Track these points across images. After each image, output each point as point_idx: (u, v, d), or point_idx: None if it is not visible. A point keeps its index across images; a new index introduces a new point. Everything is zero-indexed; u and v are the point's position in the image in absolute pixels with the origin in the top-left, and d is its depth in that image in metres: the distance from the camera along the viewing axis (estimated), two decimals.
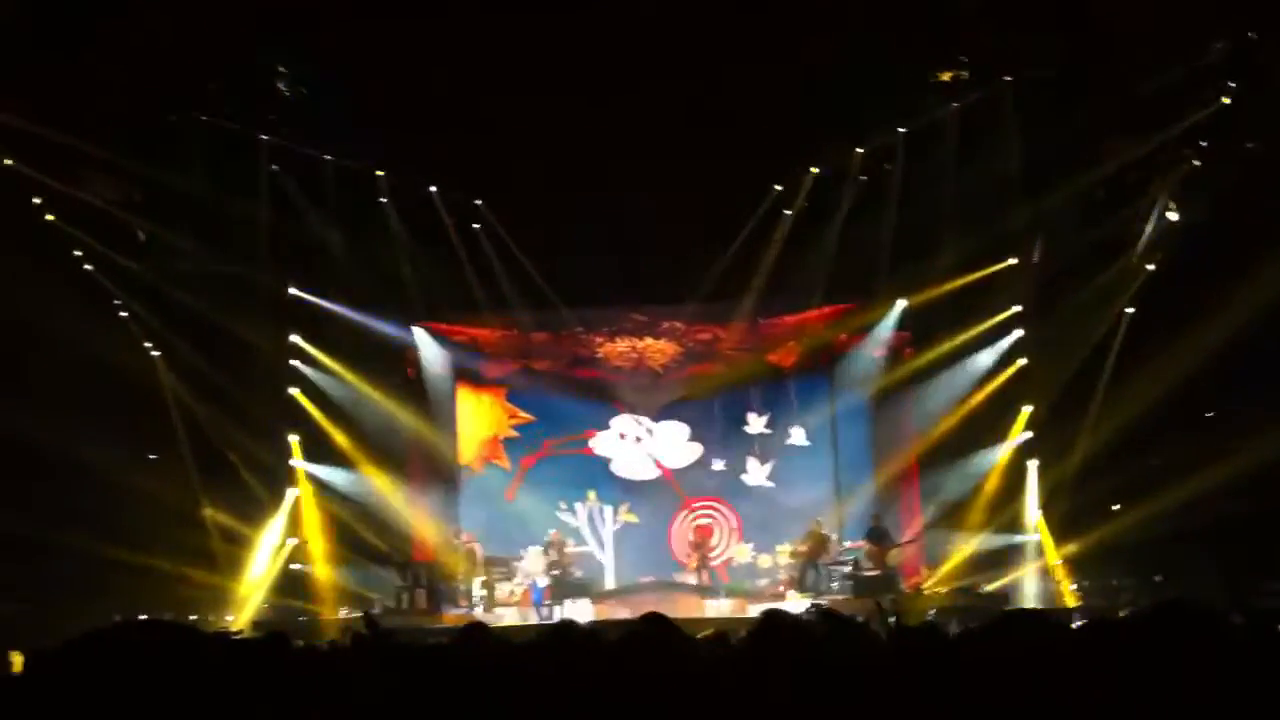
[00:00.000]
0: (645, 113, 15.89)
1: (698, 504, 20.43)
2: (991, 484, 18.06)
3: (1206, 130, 14.79)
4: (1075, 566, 16.76)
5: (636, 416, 20.51)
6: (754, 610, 15.70)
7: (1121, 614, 8.73)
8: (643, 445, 20.62)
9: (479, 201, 18.72)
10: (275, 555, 17.50)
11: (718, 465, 20.41)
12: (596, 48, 15.09)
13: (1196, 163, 15.20)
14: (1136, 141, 15.47)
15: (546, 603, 17.46)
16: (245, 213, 16.82)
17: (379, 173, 17.99)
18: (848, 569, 17.73)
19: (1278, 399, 13.10)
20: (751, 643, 3.90)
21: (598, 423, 20.60)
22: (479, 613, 17.11)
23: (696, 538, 20.01)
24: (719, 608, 17.69)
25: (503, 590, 18.73)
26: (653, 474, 20.54)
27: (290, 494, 17.98)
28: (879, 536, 17.71)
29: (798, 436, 20.39)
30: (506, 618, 17.13)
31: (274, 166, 17.16)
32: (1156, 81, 14.57)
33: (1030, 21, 15.07)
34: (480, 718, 3.33)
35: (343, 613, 17.06)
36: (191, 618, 15.41)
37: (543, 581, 18.15)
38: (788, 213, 18.64)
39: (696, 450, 20.51)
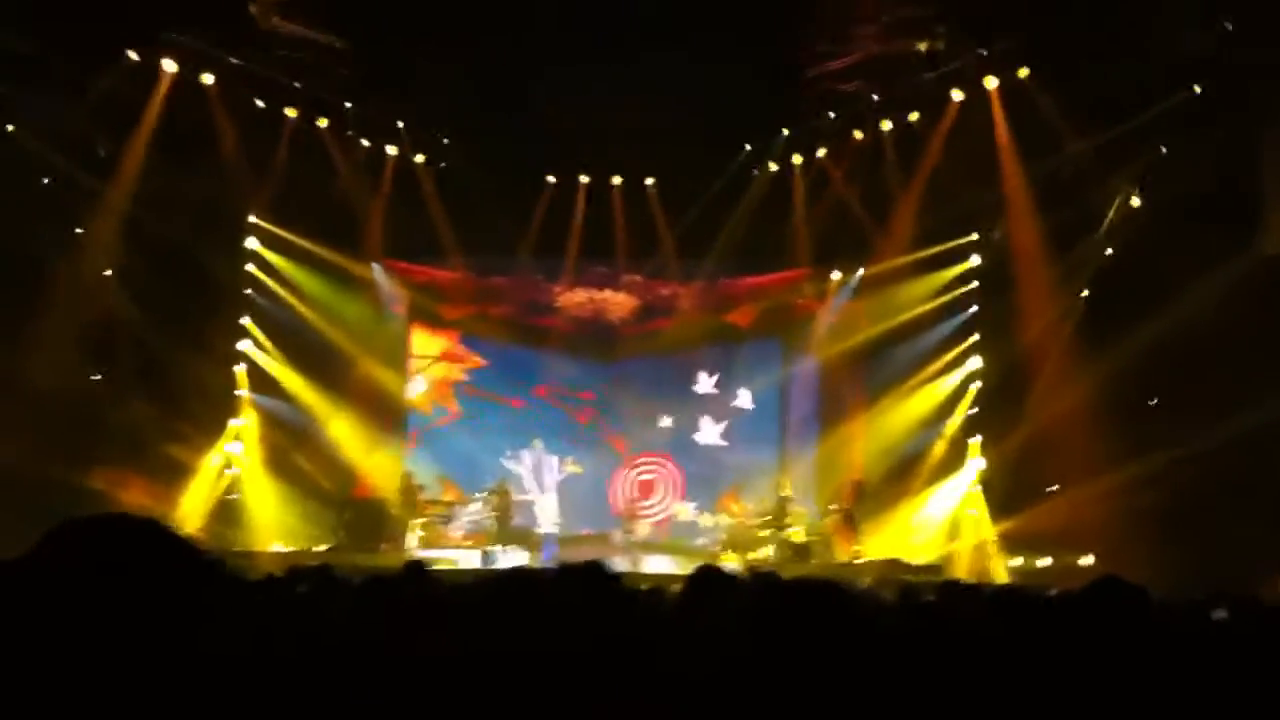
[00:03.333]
0: (621, 65, 15.82)
1: (641, 459, 20.47)
2: (934, 457, 18.25)
3: (1174, 117, 14.86)
4: (1010, 543, 16.96)
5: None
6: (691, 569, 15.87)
7: (1052, 592, 8.81)
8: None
9: (446, 140, 18.58)
10: (214, 484, 17.34)
11: (665, 422, 20.43)
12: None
13: (1163, 149, 15.29)
14: (1104, 125, 15.50)
15: (493, 549, 17.47)
16: (209, 135, 16.56)
17: (346, 104, 17.77)
18: (786, 534, 17.87)
19: (1226, 389, 13.26)
20: (685, 597, 3.93)
21: (549, 377, 20.52)
22: (418, 553, 17.04)
23: (637, 493, 20.09)
24: (656, 564, 17.76)
25: (442, 533, 18.64)
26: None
27: (233, 423, 17.82)
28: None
29: (744, 399, 20.47)
30: (447, 559, 17.07)
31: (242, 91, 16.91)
32: (1127, 67, 14.62)
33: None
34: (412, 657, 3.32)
35: (276, 546, 16.98)
36: None
37: (550, 529, 18.40)
38: (756, 173, 18.71)
39: (646, 406, 20.50)
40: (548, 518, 18.91)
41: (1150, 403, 15.28)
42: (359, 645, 3.30)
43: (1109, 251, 16.28)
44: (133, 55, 15.63)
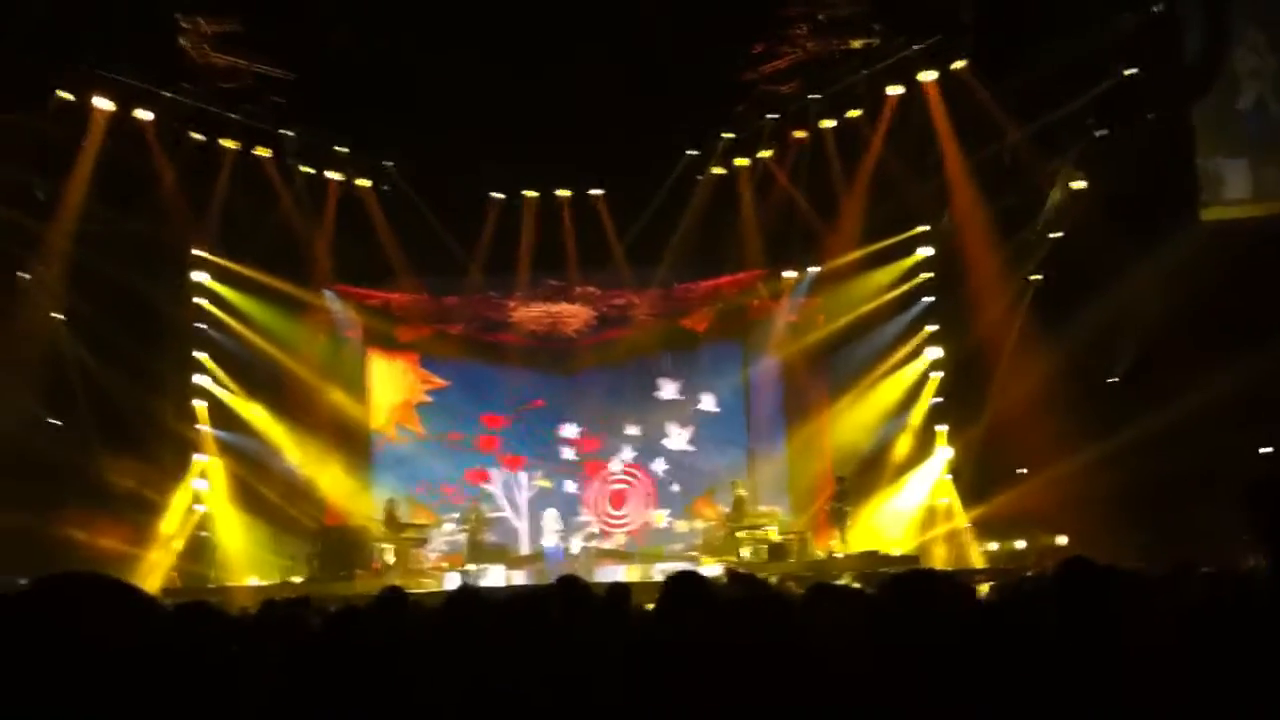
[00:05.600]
0: (563, 77, 15.84)
1: (612, 470, 20.45)
2: (901, 449, 18.39)
3: (1113, 100, 15.08)
4: (983, 529, 17.11)
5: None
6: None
7: (1028, 574, 8.94)
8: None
9: (389, 163, 18.53)
10: (183, 522, 17.20)
11: (632, 431, 20.45)
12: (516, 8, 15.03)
13: (1102, 133, 15.50)
14: (1042, 112, 15.70)
15: (469, 568, 17.48)
16: (147, 172, 16.45)
17: (285, 133, 17.69)
18: (760, 533, 17.97)
19: (1183, 368, 13.45)
20: (661, 604, 3.96)
21: (509, 394, 20.49)
22: (394, 579, 16.98)
23: (611, 504, 20.10)
24: (633, 573, 17.76)
25: (418, 556, 18.56)
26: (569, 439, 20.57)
27: (197, 459, 17.68)
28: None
29: (708, 403, 20.51)
30: (424, 583, 17.01)
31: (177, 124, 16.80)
32: (1065, 51, 14.82)
33: None
34: (395, 682, 3.33)
35: (252, 580, 16.86)
36: None
37: (551, 542, 18.52)
38: (700, 178, 18.80)
39: (611, 416, 20.50)
40: (550, 528, 18.93)
41: (1109, 381, 15.49)
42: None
43: (1055, 235, 16.47)
44: (65, 95, 15.49)
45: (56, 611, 1.62)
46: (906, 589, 3.56)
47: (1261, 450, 13.35)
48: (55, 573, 1.68)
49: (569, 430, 20.47)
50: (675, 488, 20.34)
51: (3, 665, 1.55)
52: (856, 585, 8.08)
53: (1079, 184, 16.05)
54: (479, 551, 18.29)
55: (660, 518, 20.21)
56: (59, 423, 15.93)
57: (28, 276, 16.01)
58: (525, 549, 19.66)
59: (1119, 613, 3.08)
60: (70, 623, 1.60)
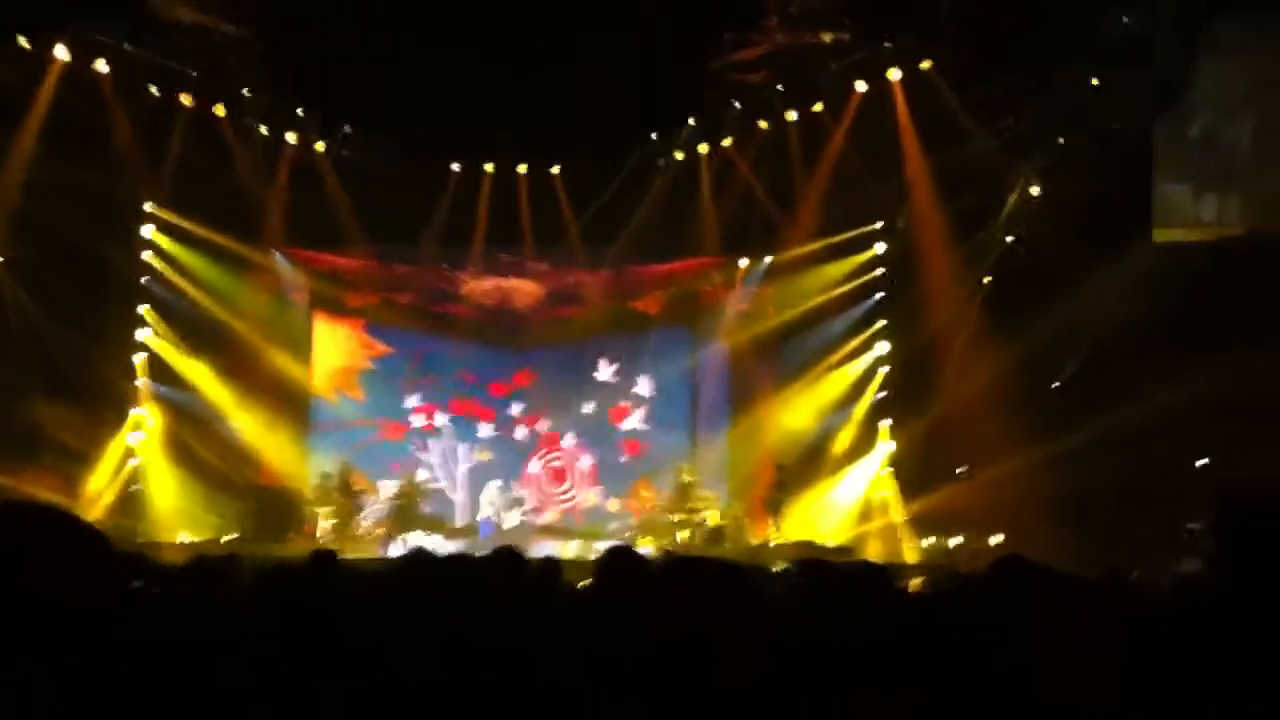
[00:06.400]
0: (529, 56, 15.79)
1: (551, 447, 20.41)
2: (844, 441, 18.52)
3: (1078, 110, 15.25)
4: (919, 525, 17.27)
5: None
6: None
7: (961, 571, 9.01)
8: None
9: (348, 128, 18.35)
10: (114, 475, 17.01)
11: (587, 409, 20.39)
12: None
13: (1060, 140, 15.66)
14: (1005, 116, 15.82)
15: (396, 537, 17.45)
16: (102, 124, 16.21)
17: (245, 92, 17.47)
18: (698, 518, 18.07)
19: (1125, 375, 13.66)
20: (597, 580, 3.95)
21: (453, 365, 20.38)
22: (329, 543, 16.86)
23: (551, 480, 20.08)
24: (570, 549, 17.76)
25: (354, 523, 18.46)
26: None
27: (134, 413, 17.47)
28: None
29: (643, 386, 20.43)
30: (360, 550, 16.92)
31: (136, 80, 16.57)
32: (1033, 57, 14.96)
33: None
34: (326, 647, 3.29)
35: (182, 537, 16.70)
36: None
37: (484, 514, 18.54)
38: (661, 162, 18.78)
39: (559, 393, 20.45)
40: (485, 500, 18.85)
41: (1052, 386, 15.67)
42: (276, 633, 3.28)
43: (1009, 239, 16.62)
44: (23, 42, 15.22)
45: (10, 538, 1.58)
46: (823, 578, 3.56)
47: (1198, 462, 13.55)
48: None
49: (514, 407, 20.39)
50: (615, 468, 20.32)
51: None
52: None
53: (1037, 189, 16.21)
54: (412, 520, 18.23)
55: (591, 496, 20.19)
56: None
57: None
58: (460, 521, 19.59)
59: (1051, 612, 3.10)
60: (25, 551, 1.56)
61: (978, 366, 15.91)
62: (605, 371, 20.48)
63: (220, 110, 17.36)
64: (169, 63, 16.62)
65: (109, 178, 16.47)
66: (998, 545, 15.46)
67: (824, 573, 3.70)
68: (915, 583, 7.65)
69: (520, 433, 20.33)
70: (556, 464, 20.36)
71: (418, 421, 20.12)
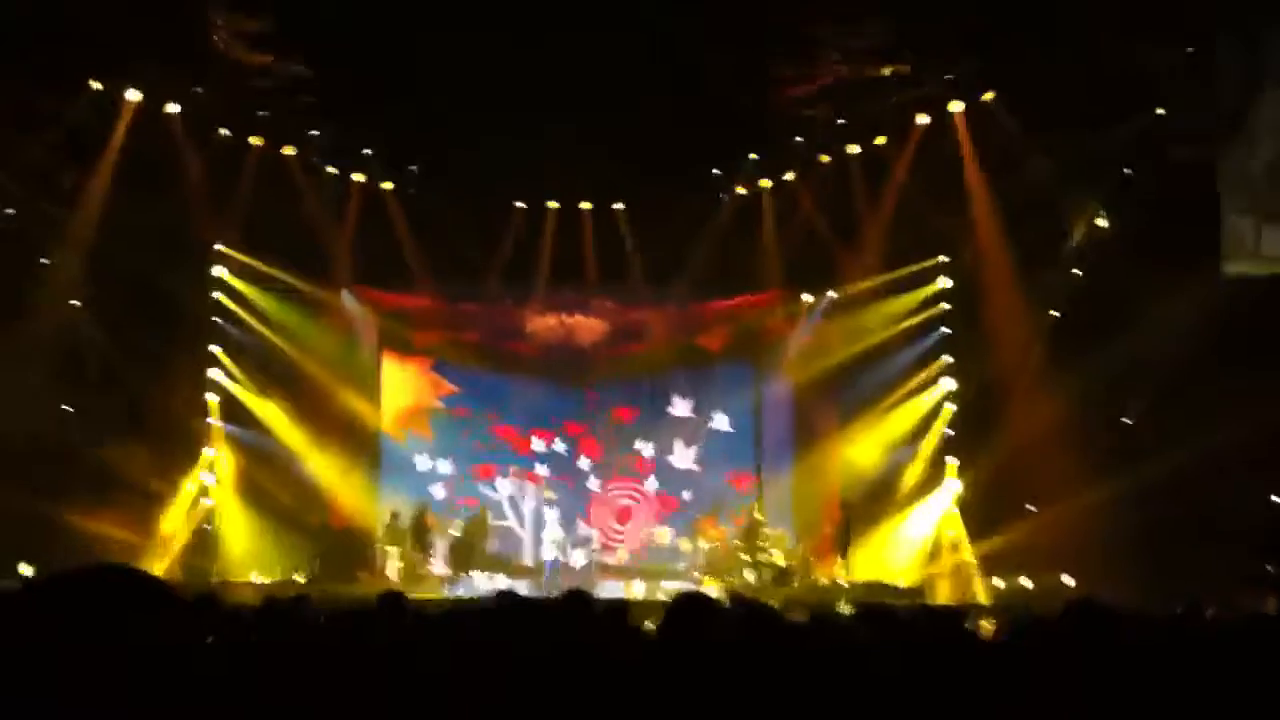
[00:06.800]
0: (591, 89, 15.89)
1: (617, 485, 20.41)
2: (910, 479, 18.31)
3: (1140, 139, 15.08)
4: (989, 564, 17.01)
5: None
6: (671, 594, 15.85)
7: (1034, 613, 8.87)
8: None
9: (414, 167, 18.57)
10: (188, 515, 17.22)
11: (644, 447, 20.39)
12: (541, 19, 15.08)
13: (1127, 171, 15.49)
14: (1069, 147, 15.67)
15: (467, 575, 17.54)
16: (173, 165, 16.53)
17: (312, 132, 17.76)
18: (766, 558, 17.97)
19: (1199, 407, 13.44)
20: (666, 624, 3.94)
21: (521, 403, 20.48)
22: (397, 583, 16.97)
23: (616, 519, 20.07)
24: (636, 589, 17.72)
25: (422, 562, 18.54)
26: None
27: (207, 453, 17.70)
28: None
29: (720, 422, 20.43)
30: (421, 590, 16.98)
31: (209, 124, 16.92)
32: (1093, 89, 14.82)
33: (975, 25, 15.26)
34: (396, 689, 3.32)
35: (253, 577, 16.88)
36: None
37: (550, 554, 18.52)
38: (724, 198, 18.82)
39: (622, 431, 20.47)
40: (549, 540, 18.90)
41: (1124, 421, 15.45)
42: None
43: (1076, 272, 16.42)
44: (96, 85, 15.60)
45: (90, 603, 1.62)
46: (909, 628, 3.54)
47: (1274, 497, 13.30)
48: (76, 564, 1.68)
49: (580, 444, 20.41)
50: (681, 506, 20.27)
51: (29, 656, 1.55)
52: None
53: (1103, 222, 16.03)
54: (476, 558, 18.30)
55: (664, 535, 20.15)
56: (71, 409, 16.00)
57: (49, 263, 16.11)
58: (528, 560, 19.63)
59: (1125, 657, 3.06)
60: (102, 616, 1.60)
61: (1045, 401, 15.71)
62: (681, 407, 20.45)
63: (289, 150, 17.66)
64: (238, 104, 16.92)
65: (180, 218, 16.74)
66: (1069, 585, 15.21)
67: (890, 620, 3.68)
68: (986, 625, 7.57)
69: (586, 469, 20.36)
70: (624, 502, 20.36)
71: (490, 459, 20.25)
